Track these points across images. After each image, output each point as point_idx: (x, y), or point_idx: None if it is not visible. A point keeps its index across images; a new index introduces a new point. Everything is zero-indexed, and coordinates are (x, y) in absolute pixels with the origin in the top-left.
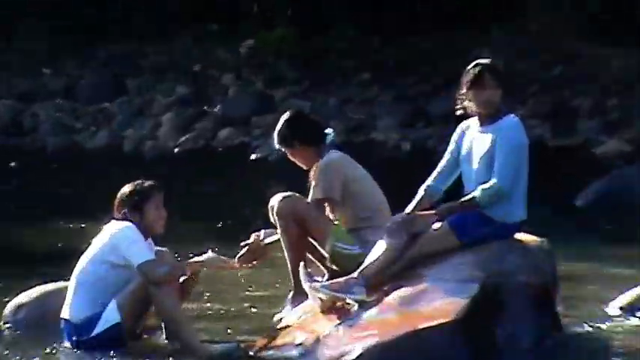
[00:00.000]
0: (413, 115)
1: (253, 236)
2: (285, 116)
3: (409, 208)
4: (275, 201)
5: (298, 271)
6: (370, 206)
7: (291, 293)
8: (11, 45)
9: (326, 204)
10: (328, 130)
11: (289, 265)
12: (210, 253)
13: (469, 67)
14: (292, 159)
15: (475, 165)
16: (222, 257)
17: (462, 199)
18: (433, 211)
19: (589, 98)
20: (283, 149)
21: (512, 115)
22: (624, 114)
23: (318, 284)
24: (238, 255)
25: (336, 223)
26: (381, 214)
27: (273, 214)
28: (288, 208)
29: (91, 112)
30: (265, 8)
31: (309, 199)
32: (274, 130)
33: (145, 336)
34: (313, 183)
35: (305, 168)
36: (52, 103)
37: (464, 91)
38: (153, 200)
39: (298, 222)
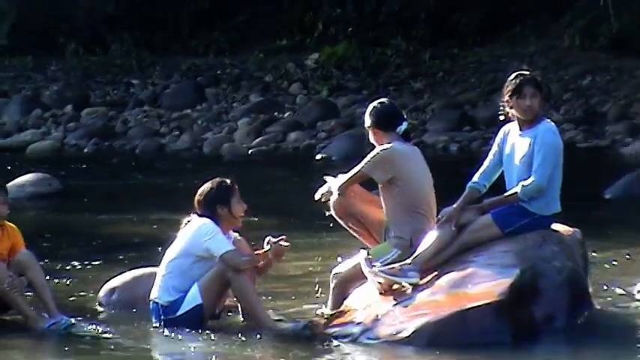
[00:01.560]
0: (459, 120)
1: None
2: (375, 101)
3: (457, 203)
4: (331, 202)
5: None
6: (412, 204)
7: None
8: (105, 58)
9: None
10: (404, 123)
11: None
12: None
13: (511, 77)
14: (370, 140)
15: (516, 164)
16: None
17: (505, 194)
18: (478, 205)
19: (615, 105)
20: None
21: (548, 120)
22: None
23: (376, 269)
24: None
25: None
26: (421, 213)
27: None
28: (340, 206)
29: (175, 118)
30: (329, 26)
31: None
32: (337, 133)
33: (230, 314)
34: (365, 159)
35: None
36: (140, 110)
37: (506, 99)
38: (236, 194)
39: (353, 215)
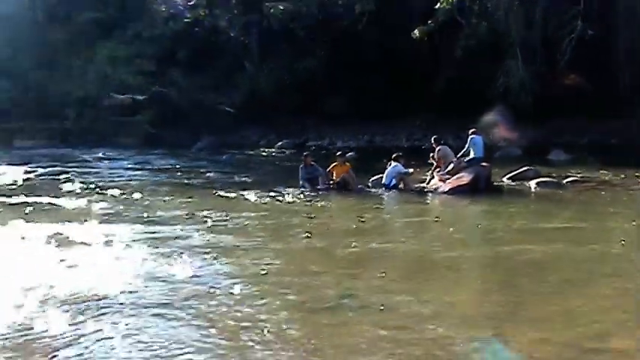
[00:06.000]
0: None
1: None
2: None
3: (457, 157)
4: (434, 153)
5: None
6: (448, 162)
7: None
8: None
9: (440, 160)
10: (442, 141)
11: (443, 169)
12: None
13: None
14: (433, 146)
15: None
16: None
17: (468, 158)
18: (463, 158)
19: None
20: (433, 143)
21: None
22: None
23: (439, 174)
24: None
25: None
26: (447, 165)
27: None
28: (436, 160)
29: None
30: (416, 109)
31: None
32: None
33: (401, 187)
34: (436, 154)
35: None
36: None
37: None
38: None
39: (438, 164)
